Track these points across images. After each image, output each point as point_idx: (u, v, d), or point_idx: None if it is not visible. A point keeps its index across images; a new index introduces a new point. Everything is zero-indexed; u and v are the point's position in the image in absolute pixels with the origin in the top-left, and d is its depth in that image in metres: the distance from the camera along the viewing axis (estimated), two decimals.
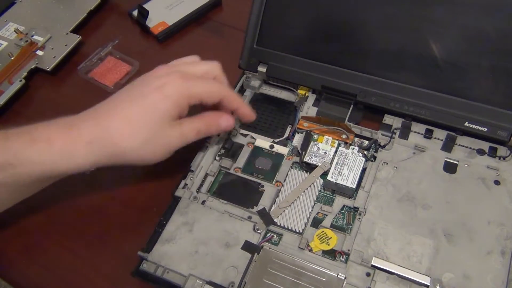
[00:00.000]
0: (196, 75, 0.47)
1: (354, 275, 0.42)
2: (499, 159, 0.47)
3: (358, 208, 0.46)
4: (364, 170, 0.49)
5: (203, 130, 0.47)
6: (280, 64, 0.55)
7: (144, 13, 0.68)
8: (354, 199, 0.47)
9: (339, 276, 0.42)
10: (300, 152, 0.51)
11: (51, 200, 0.53)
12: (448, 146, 0.49)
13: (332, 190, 0.48)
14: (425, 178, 0.47)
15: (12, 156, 0.41)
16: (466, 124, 0.48)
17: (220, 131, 0.49)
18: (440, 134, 0.50)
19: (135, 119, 0.43)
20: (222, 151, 0.51)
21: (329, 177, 0.48)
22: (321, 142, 0.51)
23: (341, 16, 0.52)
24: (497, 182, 0.46)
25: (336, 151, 0.50)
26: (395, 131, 0.50)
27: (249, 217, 0.46)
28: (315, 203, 0.47)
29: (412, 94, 0.50)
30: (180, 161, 0.51)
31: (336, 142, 0.51)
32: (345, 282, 0.41)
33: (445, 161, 0.48)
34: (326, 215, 0.46)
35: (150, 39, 0.68)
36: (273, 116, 0.55)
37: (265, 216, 0.46)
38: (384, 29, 0.51)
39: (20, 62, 0.64)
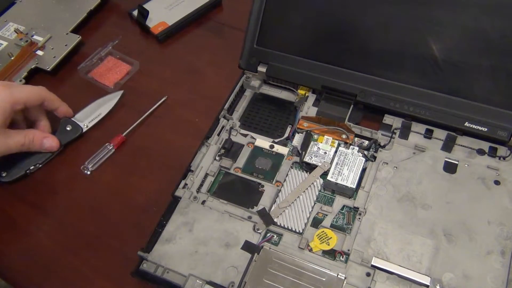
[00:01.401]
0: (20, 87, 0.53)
1: (354, 275, 0.42)
2: (499, 159, 0.47)
3: (358, 208, 0.46)
4: (364, 170, 0.49)
5: (27, 145, 0.52)
6: (280, 64, 0.55)
7: (144, 13, 0.68)
8: (354, 199, 0.47)
9: (339, 276, 0.42)
10: (300, 152, 0.51)
11: (51, 200, 0.53)
12: (448, 146, 0.49)
13: (332, 190, 0.48)
14: (425, 178, 0.47)
15: None
16: (466, 124, 0.48)
17: (42, 150, 0.54)
18: (440, 134, 0.50)
19: None
20: (222, 151, 0.51)
21: (329, 177, 0.48)
22: (321, 142, 0.51)
23: (341, 16, 0.52)
24: (497, 182, 0.46)
25: (336, 151, 0.50)
26: (395, 131, 0.50)
27: (249, 217, 0.46)
28: (315, 203, 0.47)
29: (412, 94, 0.50)
30: (180, 161, 0.51)
31: (336, 142, 0.51)
32: (345, 282, 0.41)
33: (445, 161, 0.48)
34: (326, 215, 0.46)
35: (150, 39, 0.68)
36: (273, 116, 0.55)
37: (265, 216, 0.46)
38: (384, 29, 0.51)
39: (20, 62, 0.64)
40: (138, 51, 0.66)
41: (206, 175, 0.50)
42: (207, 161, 0.50)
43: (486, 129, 0.47)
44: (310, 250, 0.44)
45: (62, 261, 0.48)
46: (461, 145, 0.49)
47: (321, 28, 0.54)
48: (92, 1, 0.71)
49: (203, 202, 0.48)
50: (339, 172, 0.48)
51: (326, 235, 0.45)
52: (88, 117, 0.59)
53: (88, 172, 0.55)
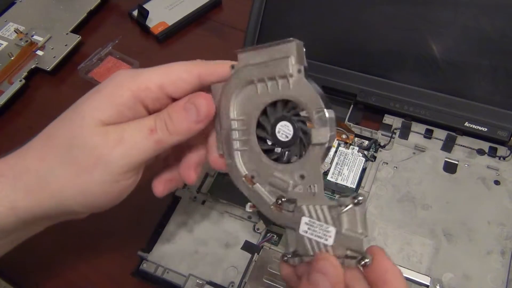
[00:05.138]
0: None
1: None
2: (499, 159, 0.47)
3: None
4: (364, 170, 0.49)
5: (162, 126, 0.30)
6: None
7: (144, 13, 0.68)
8: None
9: None
10: None
11: None
12: (448, 146, 0.49)
13: (332, 190, 0.48)
14: (425, 178, 0.47)
15: None
16: (466, 124, 0.48)
17: (201, 122, 0.31)
18: (440, 134, 0.50)
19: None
20: None
21: (329, 177, 0.48)
22: None
23: (341, 16, 0.52)
24: (497, 182, 0.46)
25: (336, 151, 0.50)
26: (395, 131, 0.50)
27: (249, 217, 0.46)
28: None
29: (412, 94, 0.50)
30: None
31: (336, 142, 0.51)
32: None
33: (445, 161, 0.48)
34: None
35: (150, 39, 0.68)
36: None
37: (265, 216, 0.46)
38: (384, 29, 0.51)
39: (20, 62, 0.64)
40: (138, 51, 0.66)
41: (206, 175, 0.50)
42: (207, 161, 0.50)
43: (486, 129, 0.47)
44: None
45: (62, 261, 0.48)
46: (461, 145, 0.49)
47: (320, 28, 0.54)
48: (92, 1, 0.71)
49: (203, 202, 0.48)
50: (339, 172, 0.48)
51: None
52: None
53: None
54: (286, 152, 0.32)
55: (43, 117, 0.65)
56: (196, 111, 0.30)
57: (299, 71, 0.31)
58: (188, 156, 0.35)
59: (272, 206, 0.32)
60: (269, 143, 0.33)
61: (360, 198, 0.29)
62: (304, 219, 0.30)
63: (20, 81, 0.62)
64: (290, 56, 0.31)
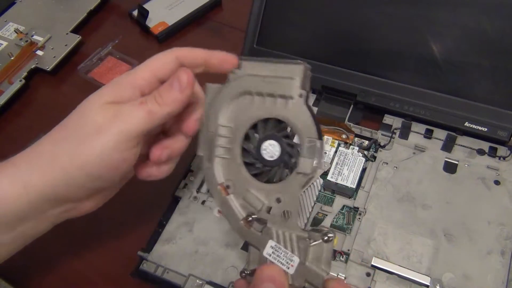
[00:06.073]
0: None
1: (354, 275, 0.42)
2: (499, 159, 0.47)
3: (358, 208, 0.46)
4: (364, 170, 0.49)
5: (152, 99, 0.34)
6: None
7: (144, 13, 0.68)
8: (354, 199, 0.47)
9: (339, 276, 0.42)
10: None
11: None
12: (448, 146, 0.49)
13: (332, 190, 0.48)
14: (425, 178, 0.47)
15: None
16: (466, 124, 0.48)
17: (184, 91, 0.34)
18: (440, 134, 0.50)
19: None
20: None
21: (329, 177, 0.48)
22: None
23: (341, 16, 0.52)
24: (497, 182, 0.46)
25: (336, 151, 0.50)
26: (395, 131, 0.50)
27: None
28: (315, 203, 0.47)
29: (412, 94, 0.50)
30: (180, 161, 0.51)
31: (336, 142, 0.51)
32: (345, 282, 0.41)
33: (445, 161, 0.48)
34: (326, 215, 0.46)
35: (150, 39, 0.68)
36: None
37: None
38: (384, 29, 0.51)
39: (20, 62, 0.64)
40: (138, 51, 0.66)
41: None
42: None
43: (486, 129, 0.47)
44: None
45: (62, 261, 0.48)
46: (461, 145, 0.49)
47: (321, 28, 0.54)
48: (92, 1, 0.71)
49: (203, 202, 0.48)
50: (339, 172, 0.48)
51: None
52: None
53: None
54: (268, 172, 0.31)
55: (43, 117, 0.66)
56: (178, 82, 0.34)
57: (300, 95, 0.30)
58: (190, 114, 0.37)
59: (241, 221, 0.31)
60: (252, 158, 0.32)
61: (330, 235, 0.29)
62: (271, 243, 0.30)
63: (20, 81, 0.62)
64: (295, 78, 0.30)
